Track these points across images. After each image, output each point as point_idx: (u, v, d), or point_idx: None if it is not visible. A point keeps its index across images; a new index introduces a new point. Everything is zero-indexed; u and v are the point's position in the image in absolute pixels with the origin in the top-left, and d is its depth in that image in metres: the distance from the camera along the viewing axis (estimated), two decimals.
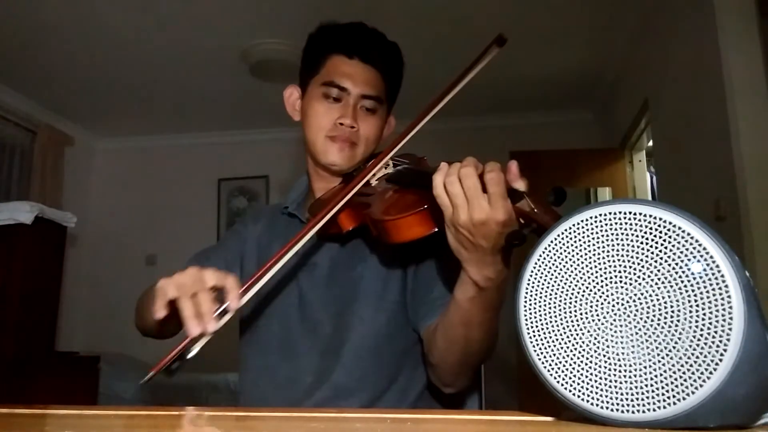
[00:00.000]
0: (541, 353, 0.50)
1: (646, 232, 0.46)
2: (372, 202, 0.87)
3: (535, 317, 0.51)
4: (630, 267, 0.47)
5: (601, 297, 0.48)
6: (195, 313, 0.70)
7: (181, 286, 0.73)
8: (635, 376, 0.45)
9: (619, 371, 0.46)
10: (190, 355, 0.74)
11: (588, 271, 0.49)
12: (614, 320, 0.47)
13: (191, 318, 0.69)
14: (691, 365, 0.43)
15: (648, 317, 0.45)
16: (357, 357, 0.94)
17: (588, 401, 0.47)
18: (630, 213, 0.47)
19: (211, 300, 0.72)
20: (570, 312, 0.50)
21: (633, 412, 0.45)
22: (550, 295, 0.51)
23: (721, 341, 0.42)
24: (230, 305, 0.72)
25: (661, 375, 0.44)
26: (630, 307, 0.47)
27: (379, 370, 0.95)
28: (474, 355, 0.84)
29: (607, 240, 0.48)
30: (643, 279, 0.46)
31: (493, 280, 0.73)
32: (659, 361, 0.44)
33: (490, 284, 0.73)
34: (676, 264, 0.44)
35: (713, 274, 0.43)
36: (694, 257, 0.44)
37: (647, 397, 0.44)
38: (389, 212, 0.79)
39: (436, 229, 0.75)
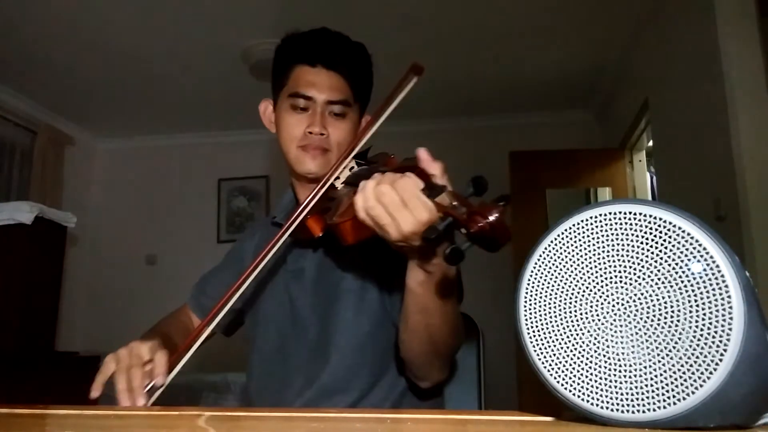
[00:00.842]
0: (541, 353, 0.50)
1: (646, 232, 0.46)
2: (333, 207, 0.89)
3: (535, 317, 0.51)
4: (630, 267, 0.47)
5: (601, 297, 0.48)
6: (127, 388, 0.82)
7: (119, 360, 0.86)
8: (635, 376, 0.45)
9: (619, 371, 0.46)
10: (165, 383, 0.85)
11: (588, 271, 0.49)
12: (614, 320, 0.47)
13: (123, 392, 0.82)
14: (691, 365, 0.43)
15: (648, 317, 0.45)
16: (343, 357, 0.97)
17: (588, 401, 0.47)
18: (630, 213, 0.47)
19: (141, 376, 0.84)
20: (570, 312, 0.50)
21: (633, 412, 0.45)
22: (550, 295, 0.51)
23: (721, 341, 0.42)
24: (156, 382, 0.84)
25: (661, 375, 0.44)
26: (630, 307, 0.47)
27: (364, 369, 0.97)
28: (438, 343, 0.85)
29: (607, 240, 0.48)
30: (643, 279, 0.46)
31: (439, 265, 0.74)
32: (659, 361, 0.44)
33: (436, 269, 0.75)
34: (676, 264, 0.44)
35: (713, 274, 0.43)
36: (694, 257, 0.44)
37: (647, 397, 0.44)
38: (337, 216, 0.82)
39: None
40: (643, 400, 0.44)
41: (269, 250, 0.88)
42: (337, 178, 0.94)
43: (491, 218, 0.57)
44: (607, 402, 0.46)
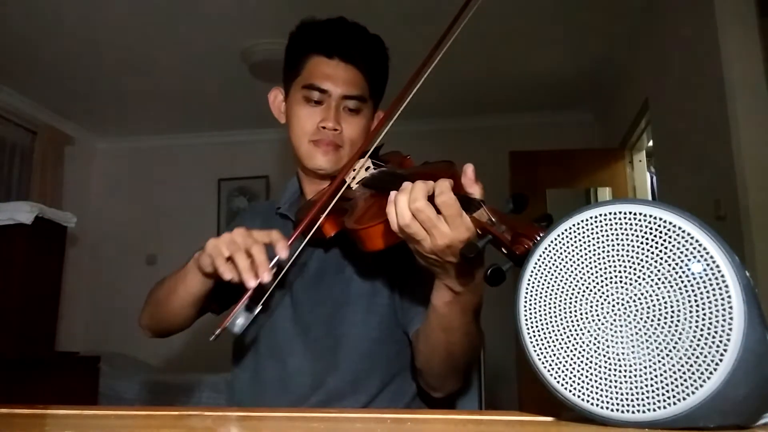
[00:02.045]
0: (541, 353, 0.50)
1: (646, 232, 0.46)
2: (350, 208, 0.85)
3: (535, 317, 0.51)
4: (630, 267, 0.47)
5: (601, 297, 0.48)
6: (250, 266, 0.75)
7: (232, 243, 0.78)
8: (635, 376, 0.45)
9: (619, 371, 0.46)
10: (256, 311, 0.79)
11: (588, 271, 0.49)
12: (614, 320, 0.47)
13: (247, 270, 0.74)
14: (691, 365, 0.43)
15: (648, 317, 0.45)
16: (351, 362, 0.94)
17: (588, 401, 0.47)
18: (630, 213, 0.47)
19: (264, 252, 0.76)
20: (570, 312, 0.50)
21: (633, 412, 0.45)
22: (550, 295, 0.51)
23: (721, 341, 0.42)
24: (280, 256, 0.77)
25: (661, 375, 0.44)
26: (630, 307, 0.47)
27: (372, 374, 0.94)
28: (457, 359, 0.84)
29: (607, 240, 0.48)
30: (643, 279, 0.46)
31: (468, 284, 0.72)
32: (659, 361, 0.44)
33: (464, 288, 0.72)
34: (676, 264, 0.44)
35: (713, 274, 0.43)
36: (694, 257, 0.44)
37: (647, 397, 0.44)
38: (360, 221, 0.78)
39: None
40: (643, 400, 0.44)
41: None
42: (353, 178, 0.91)
43: (538, 240, 0.54)
44: (607, 402, 0.46)
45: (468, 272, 0.71)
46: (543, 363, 0.50)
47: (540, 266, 0.52)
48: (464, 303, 0.75)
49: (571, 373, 0.48)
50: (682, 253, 0.44)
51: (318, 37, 1.02)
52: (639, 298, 0.46)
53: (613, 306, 0.47)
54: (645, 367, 0.45)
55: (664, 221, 0.46)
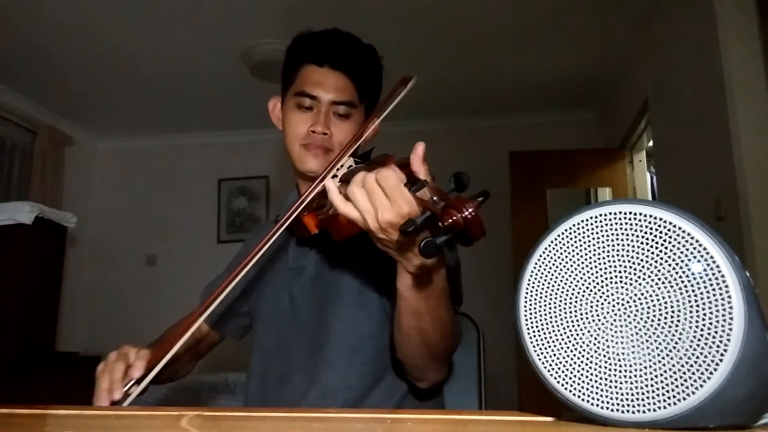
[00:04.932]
0: (541, 353, 0.50)
1: (646, 232, 0.46)
2: (327, 203, 0.89)
3: (535, 317, 0.51)
4: (630, 267, 0.47)
5: (601, 297, 0.48)
6: (108, 387, 0.83)
7: (107, 361, 0.87)
8: (635, 376, 0.45)
9: (620, 371, 0.46)
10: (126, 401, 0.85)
11: (588, 271, 0.49)
12: (614, 320, 0.47)
13: (102, 390, 0.83)
14: (691, 365, 0.43)
15: (648, 317, 0.45)
16: (339, 355, 0.97)
17: (588, 401, 0.47)
18: (630, 213, 0.47)
19: (122, 370, 0.85)
20: (570, 312, 0.50)
21: (633, 412, 0.45)
22: (550, 295, 0.51)
23: (721, 341, 0.42)
24: (133, 374, 0.84)
25: (661, 375, 0.44)
26: (630, 307, 0.47)
27: (363, 368, 0.97)
28: (432, 346, 0.85)
29: (607, 240, 0.48)
30: (643, 279, 0.46)
31: (424, 267, 0.74)
32: (659, 362, 0.44)
33: (422, 271, 0.74)
34: (677, 264, 0.44)
35: (713, 274, 0.43)
36: (694, 257, 0.44)
37: (647, 398, 0.44)
38: (329, 212, 0.82)
39: None
40: (643, 400, 0.44)
41: (264, 243, 0.89)
42: (335, 176, 0.94)
43: (465, 212, 0.57)
44: (607, 402, 0.46)
45: (412, 250, 0.72)
46: (543, 363, 0.50)
47: (540, 266, 0.52)
48: (427, 287, 0.77)
49: (571, 373, 0.48)
50: (682, 253, 0.44)
51: (311, 47, 1.07)
52: (639, 298, 0.46)
53: (613, 306, 0.47)
54: (645, 367, 0.45)
55: (664, 221, 0.46)
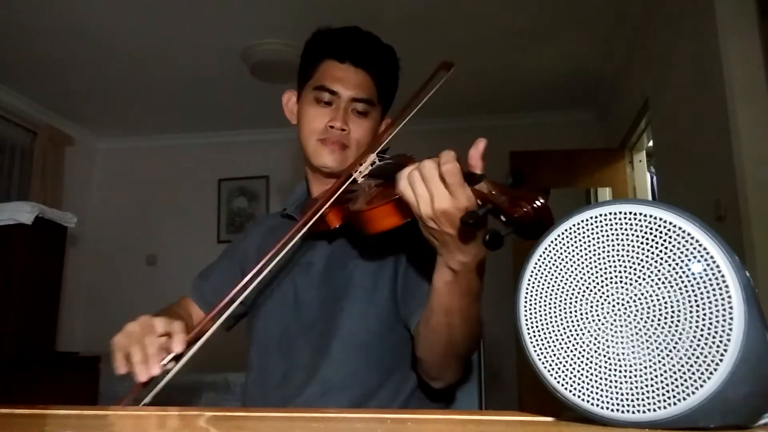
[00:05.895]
0: (541, 353, 0.50)
1: (646, 232, 0.46)
2: (354, 198, 0.89)
3: (535, 317, 0.51)
4: (630, 267, 0.47)
5: (601, 297, 0.48)
6: (142, 360, 0.75)
7: (130, 334, 0.79)
8: (635, 376, 0.45)
9: (619, 371, 0.46)
10: (144, 402, 0.77)
11: (588, 271, 0.49)
12: (614, 320, 0.47)
13: (139, 364, 0.75)
14: (691, 365, 0.43)
15: (648, 317, 0.45)
16: (346, 352, 0.95)
17: (588, 401, 0.47)
18: (630, 213, 0.47)
19: (158, 344, 0.77)
20: (570, 312, 0.50)
21: (633, 413, 0.45)
22: (550, 295, 0.51)
23: (721, 341, 0.42)
24: (175, 350, 0.77)
25: (661, 375, 0.44)
26: (630, 307, 0.47)
27: (369, 367, 0.96)
28: (458, 345, 0.85)
29: (607, 240, 0.48)
30: (643, 279, 0.46)
31: (467, 264, 0.73)
32: (659, 362, 0.44)
33: (463, 268, 0.74)
34: (676, 264, 0.44)
35: (713, 274, 0.43)
36: (694, 257, 0.44)
37: (647, 398, 0.44)
38: (365, 204, 0.82)
39: (409, 219, 0.76)
40: (643, 400, 0.44)
41: (286, 241, 0.87)
42: (359, 172, 0.94)
43: (537, 204, 0.58)
44: (607, 402, 0.46)
45: (467, 250, 0.72)
46: (543, 363, 0.50)
47: (540, 266, 0.52)
48: (464, 284, 0.76)
49: (571, 373, 0.48)
50: (682, 253, 0.44)
51: (331, 42, 1.06)
52: (639, 299, 0.46)
53: (613, 306, 0.47)
54: (645, 367, 0.45)
55: (665, 221, 0.46)
